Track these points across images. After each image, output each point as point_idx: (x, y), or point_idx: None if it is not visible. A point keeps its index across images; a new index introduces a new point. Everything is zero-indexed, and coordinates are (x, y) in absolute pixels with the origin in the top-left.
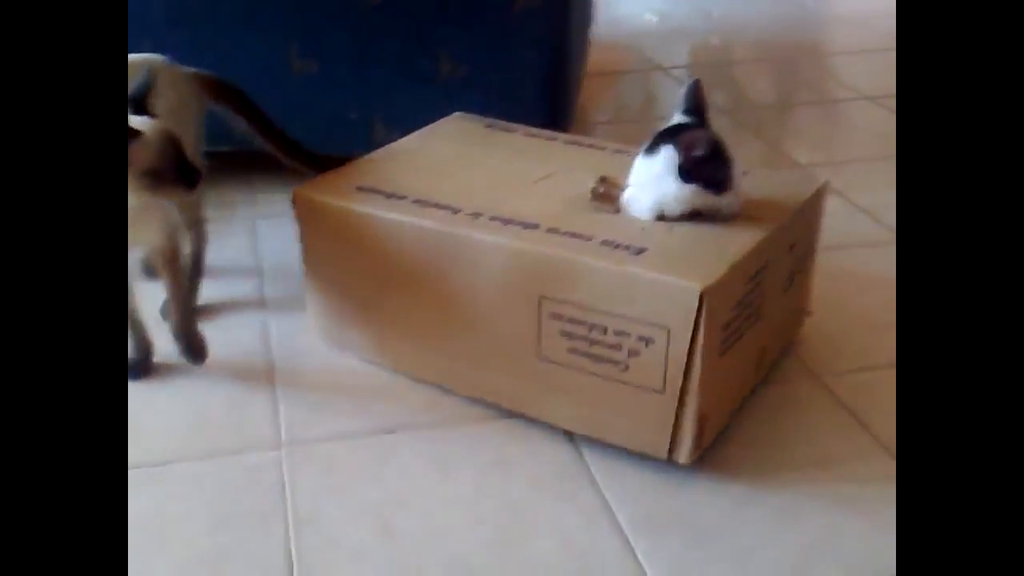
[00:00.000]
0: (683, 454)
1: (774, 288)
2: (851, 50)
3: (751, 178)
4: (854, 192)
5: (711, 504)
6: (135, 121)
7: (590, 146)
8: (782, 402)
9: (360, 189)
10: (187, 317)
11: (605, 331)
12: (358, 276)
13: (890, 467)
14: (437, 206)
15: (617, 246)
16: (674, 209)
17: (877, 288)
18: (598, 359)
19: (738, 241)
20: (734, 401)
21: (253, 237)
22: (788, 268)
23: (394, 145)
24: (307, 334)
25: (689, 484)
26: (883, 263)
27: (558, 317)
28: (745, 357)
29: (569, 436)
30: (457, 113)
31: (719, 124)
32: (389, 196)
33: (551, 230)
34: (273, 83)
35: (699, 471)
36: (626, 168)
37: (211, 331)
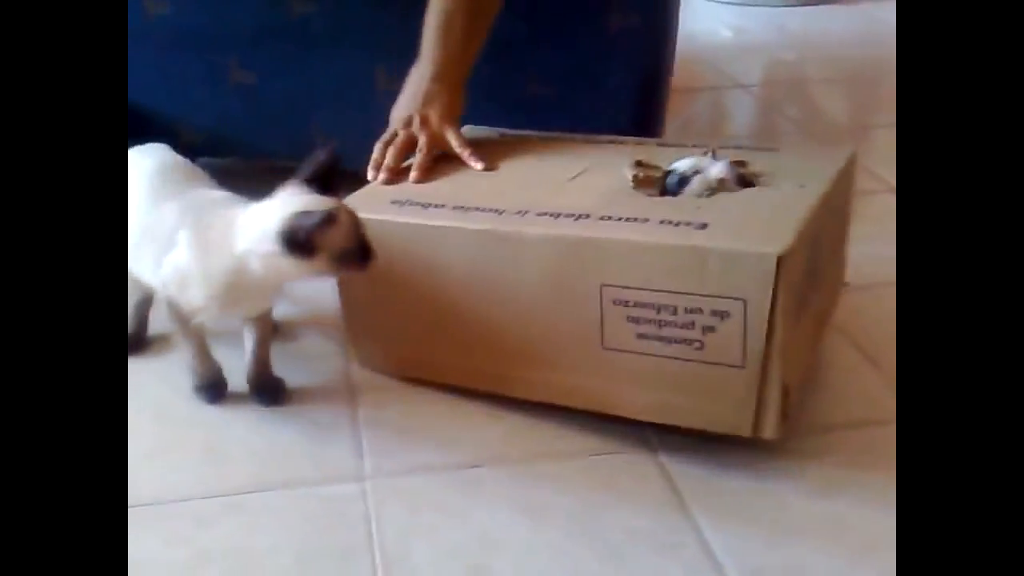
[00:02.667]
0: (768, 428)
1: (826, 254)
2: None
3: (783, 153)
4: None
5: (824, 551)
6: (323, 201)
7: (610, 142)
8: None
9: (395, 202)
10: (268, 367)
11: (675, 311)
12: (402, 290)
13: None
14: (479, 209)
15: (678, 224)
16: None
17: None
18: (669, 340)
19: (795, 207)
20: (806, 370)
21: None
22: (832, 234)
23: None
24: None
25: (800, 529)
26: None
27: (623, 303)
28: (810, 324)
29: (667, 477)
30: (467, 126)
31: (794, 143)
32: (427, 206)
33: (604, 217)
34: (359, 101)
35: (807, 492)
36: (654, 155)
37: (290, 355)
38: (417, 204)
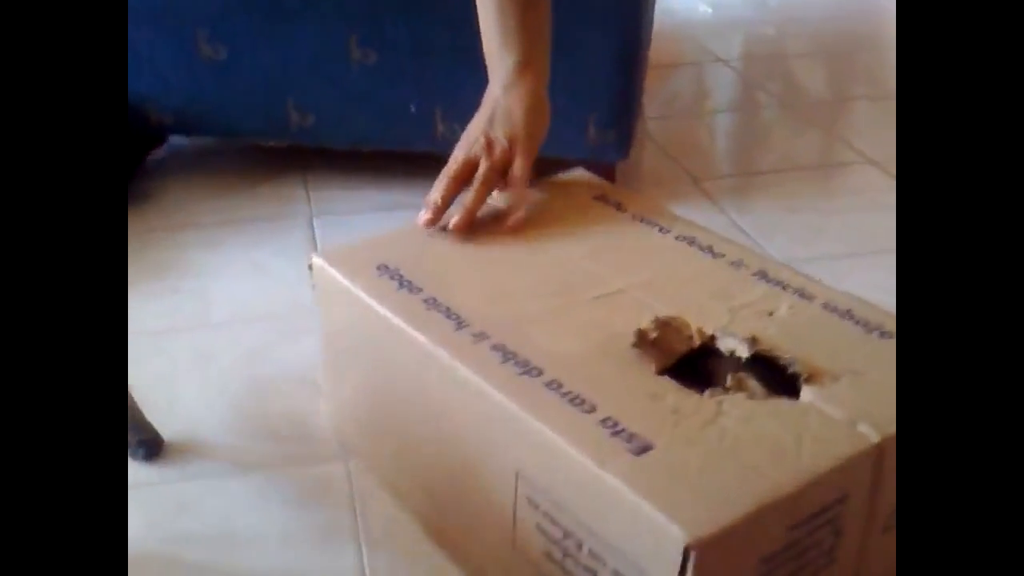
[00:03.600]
0: None
1: (865, 524)
2: None
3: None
4: None
5: None
6: None
7: (708, 248)
8: None
9: (379, 268)
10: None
11: (580, 547)
12: (363, 373)
13: None
14: (447, 312)
15: (619, 431)
16: None
17: None
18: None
19: (808, 456)
20: None
21: (310, 234)
22: (887, 503)
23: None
24: None
25: None
26: None
27: (534, 506)
28: None
29: None
30: (578, 169)
31: (778, 119)
32: (403, 285)
33: (552, 383)
34: (331, 73)
35: None
36: (733, 290)
37: (275, 336)
38: (398, 279)
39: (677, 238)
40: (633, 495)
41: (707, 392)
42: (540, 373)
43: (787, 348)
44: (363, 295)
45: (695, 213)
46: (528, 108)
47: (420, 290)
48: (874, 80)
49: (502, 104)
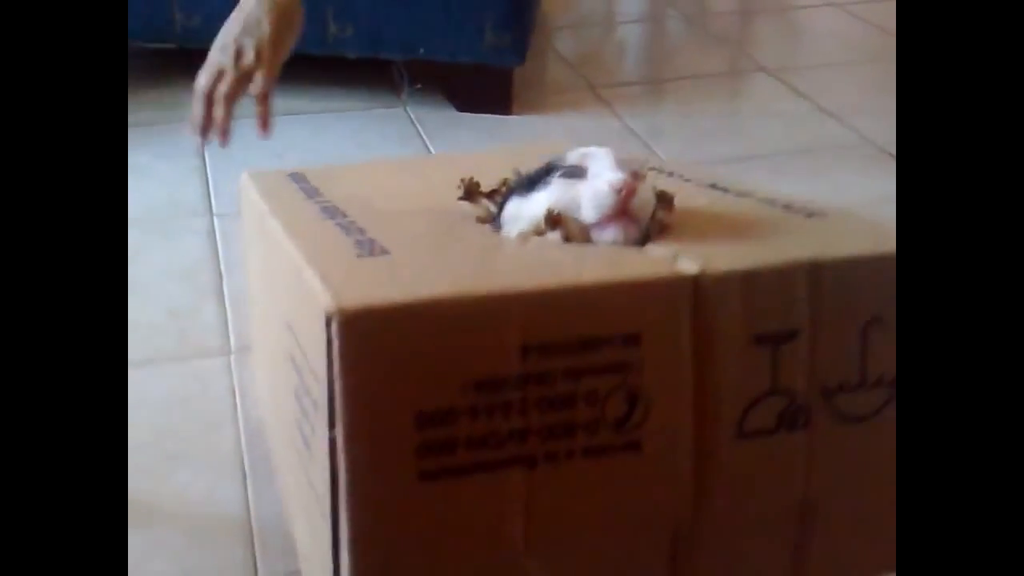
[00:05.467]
0: None
1: (693, 407)
2: None
3: (824, 220)
4: (822, 97)
5: None
6: None
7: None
8: None
9: (291, 176)
10: None
11: (308, 391)
12: (255, 281)
13: None
14: (328, 207)
15: (363, 245)
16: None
17: (849, 190)
18: (305, 441)
19: (575, 271)
20: None
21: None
22: (756, 384)
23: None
24: None
25: None
26: (853, 166)
27: (293, 362)
28: (577, 513)
29: None
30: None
31: (682, 32)
32: (306, 192)
33: (355, 228)
34: None
35: None
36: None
37: (156, 237)
38: (306, 186)
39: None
40: (310, 271)
41: (519, 233)
42: (358, 231)
43: (681, 225)
44: (262, 200)
45: (589, 118)
46: (276, 17)
47: (321, 196)
48: None
49: (254, 12)
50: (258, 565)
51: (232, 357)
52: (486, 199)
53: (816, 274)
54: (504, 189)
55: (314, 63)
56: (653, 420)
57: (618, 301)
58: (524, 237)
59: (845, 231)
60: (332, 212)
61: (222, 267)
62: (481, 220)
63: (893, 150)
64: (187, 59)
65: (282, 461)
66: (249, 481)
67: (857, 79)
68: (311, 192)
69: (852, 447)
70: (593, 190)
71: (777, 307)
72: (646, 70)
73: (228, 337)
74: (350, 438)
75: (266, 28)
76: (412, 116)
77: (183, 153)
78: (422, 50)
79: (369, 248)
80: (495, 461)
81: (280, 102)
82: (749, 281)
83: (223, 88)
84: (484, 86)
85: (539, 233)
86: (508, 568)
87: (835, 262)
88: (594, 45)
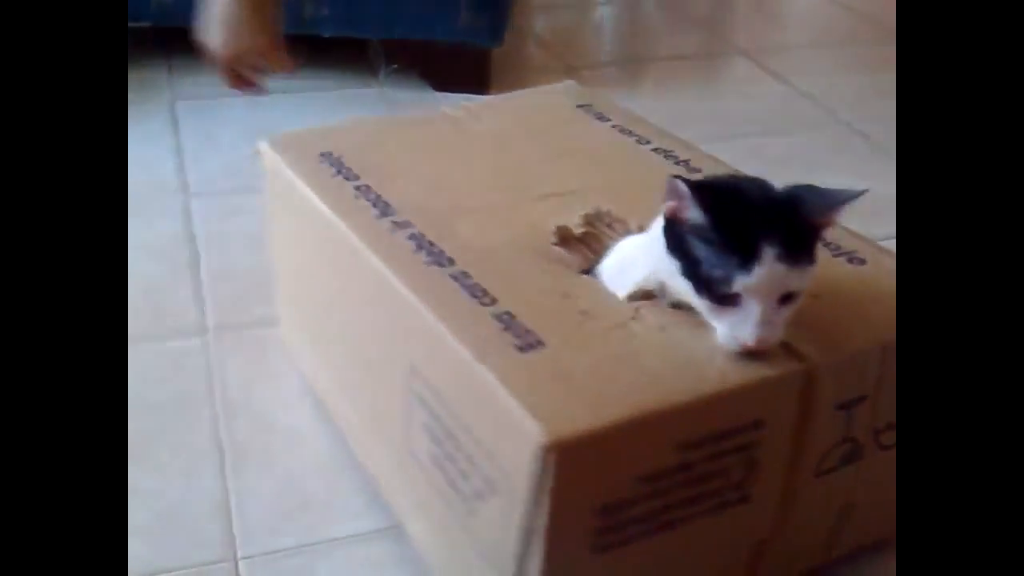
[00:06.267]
0: None
1: (789, 462)
2: None
3: (867, 268)
4: (795, 77)
5: None
6: None
7: (685, 161)
8: None
9: (323, 155)
10: None
11: (459, 447)
12: (295, 258)
13: None
14: (375, 200)
15: (512, 326)
16: (661, 288)
17: (823, 171)
18: (450, 481)
19: (716, 370)
20: None
21: (173, 122)
22: (833, 437)
23: (437, 113)
24: (233, 225)
25: None
26: (829, 148)
27: (424, 403)
28: (688, 557)
29: None
30: (570, 81)
31: (659, 13)
32: (339, 173)
33: (461, 275)
34: None
35: None
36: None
37: (131, 216)
38: (337, 165)
39: (655, 150)
40: (503, 391)
41: (628, 295)
42: (451, 264)
43: None
44: (298, 180)
45: None
46: (221, 22)
47: (356, 177)
48: None
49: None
50: (236, 545)
51: (209, 336)
52: (583, 245)
53: (885, 352)
54: (592, 230)
55: (290, 42)
56: (761, 478)
57: (752, 396)
58: (637, 310)
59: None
60: (420, 242)
61: (199, 246)
62: (584, 271)
63: (864, 128)
64: (165, 41)
65: (361, 434)
66: (227, 460)
67: (828, 60)
68: (363, 189)
69: (885, 467)
70: (729, 334)
71: (855, 381)
72: (624, 51)
73: (204, 316)
74: (544, 531)
75: (215, 28)
76: (389, 96)
77: (158, 132)
78: (398, 29)
79: (521, 336)
80: (650, 530)
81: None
82: (842, 367)
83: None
84: (461, 66)
85: (645, 297)
86: None
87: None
88: (573, 26)
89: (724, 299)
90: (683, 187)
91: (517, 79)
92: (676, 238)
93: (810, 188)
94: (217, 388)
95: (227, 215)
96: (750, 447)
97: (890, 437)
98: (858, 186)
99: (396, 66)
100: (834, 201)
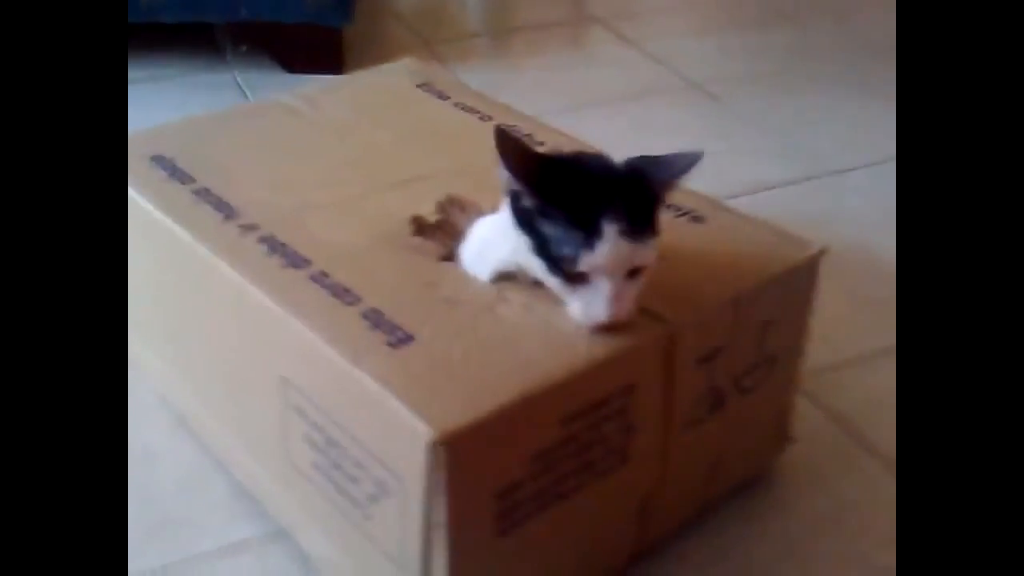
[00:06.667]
0: None
1: (661, 419)
2: None
3: (708, 225)
4: (647, 42)
5: None
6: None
7: (528, 135)
8: None
9: (153, 158)
10: None
11: (345, 454)
12: (139, 270)
13: None
14: (217, 203)
15: (381, 323)
16: (515, 268)
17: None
18: (340, 489)
19: (585, 343)
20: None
21: None
22: (698, 390)
23: (279, 100)
24: None
25: None
26: (681, 112)
27: (302, 413)
28: (582, 523)
29: None
30: (408, 59)
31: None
32: (174, 176)
33: (320, 275)
34: None
35: None
36: None
37: None
38: (170, 167)
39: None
40: (383, 392)
41: (490, 278)
42: (308, 264)
43: None
44: (131, 189)
45: None
46: None
47: (193, 180)
48: None
49: None
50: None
51: None
52: (439, 232)
53: (737, 304)
54: (446, 217)
55: (130, 30)
56: (638, 438)
57: (621, 364)
58: (500, 292)
59: (742, 249)
60: (272, 245)
61: None
62: (443, 258)
63: (715, 90)
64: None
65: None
66: None
67: (683, 25)
68: (203, 193)
69: (748, 409)
70: (582, 312)
71: (712, 334)
72: (478, 24)
73: None
74: (445, 524)
75: None
76: (239, 80)
77: None
78: (244, 11)
79: (391, 332)
80: (544, 504)
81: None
82: (700, 325)
83: None
84: (312, 46)
85: (506, 278)
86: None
87: (749, 291)
88: (430, 1)
89: (573, 277)
90: (504, 172)
91: (373, 57)
92: (522, 214)
93: (649, 159)
94: None
95: None
96: (625, 411)
97: (750, 380)
98: (710, 148)
99: (245, 48)
100: (674, 171)
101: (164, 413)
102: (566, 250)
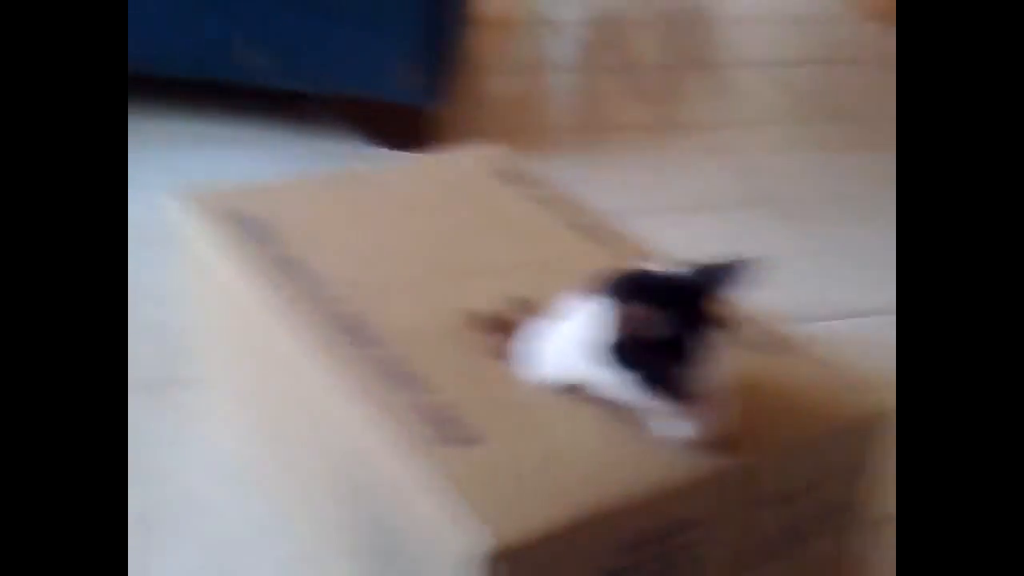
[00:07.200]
0: None
1: (728, 559)
2: (744, 17)
3: (762, 357)
4: (734, 154)
5: None
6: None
7: (604, 242)
8: None
9: (236, 217)
10: None
11: (398, 546)
12: (215, 329)
13: None
14: (296, 271)
15: (449, 418)
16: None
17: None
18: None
19: (649, 470)
20: None
21: None
22: (766, 530)
23: (361, 172)
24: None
25: None
26: (762, 222)
27: (357, 497)
28: None
29: None
30: (491, 145)
31: (606, 84)
32: (259, 237)
33: (391, 360)
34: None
35: None
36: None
37: None
38: (256, 228)
39: (573, 225)
40: (444, 489)
41: (556, 386)
42: (379, 346)
43: None
44: (210, 248)
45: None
46: None
47: (278, 242)
48: (705, 51)
49: None
50: None
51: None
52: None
53: (822, 441)
54: (507, 314)
55: (221, 90)
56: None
57: (688, 497)
58: (570, 401)
59: (827, 389)
60: (344, 321)
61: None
62: (500, 355)
63: (792, 207)
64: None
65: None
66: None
67: (773, 139)
68: (284, 262)
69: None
70: (673, 429)
71: (794, 472)
72: (571, 119)
73: None
74: None
75: None
76: (319, 148)
77: None
78: (333, 84)
79: (460, 429)
80: None
81: (183, 127)
82: (778, 460)
83: None
84: (398, 123)
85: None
86: None
87: (826, 434)
88: (523, 91)
89: (671, 397)
90: (640, 310)
91: (456, 140)
92: (629, 352)
93: (707, 269)
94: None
95: (140, 267)
96: (690, 546)
97: (836, 519)
98: (786, 261)
99: (331, 119)
100: (729, 281)
101: (231, 467)
102: (671, 374)
